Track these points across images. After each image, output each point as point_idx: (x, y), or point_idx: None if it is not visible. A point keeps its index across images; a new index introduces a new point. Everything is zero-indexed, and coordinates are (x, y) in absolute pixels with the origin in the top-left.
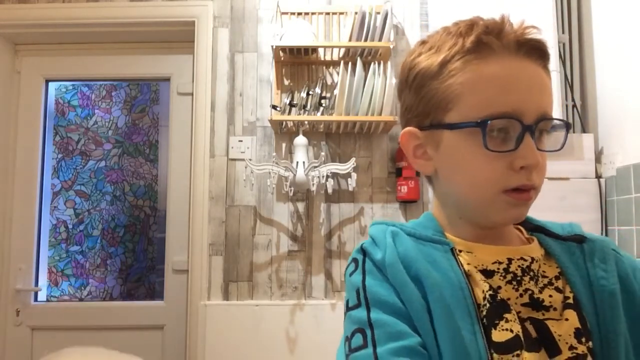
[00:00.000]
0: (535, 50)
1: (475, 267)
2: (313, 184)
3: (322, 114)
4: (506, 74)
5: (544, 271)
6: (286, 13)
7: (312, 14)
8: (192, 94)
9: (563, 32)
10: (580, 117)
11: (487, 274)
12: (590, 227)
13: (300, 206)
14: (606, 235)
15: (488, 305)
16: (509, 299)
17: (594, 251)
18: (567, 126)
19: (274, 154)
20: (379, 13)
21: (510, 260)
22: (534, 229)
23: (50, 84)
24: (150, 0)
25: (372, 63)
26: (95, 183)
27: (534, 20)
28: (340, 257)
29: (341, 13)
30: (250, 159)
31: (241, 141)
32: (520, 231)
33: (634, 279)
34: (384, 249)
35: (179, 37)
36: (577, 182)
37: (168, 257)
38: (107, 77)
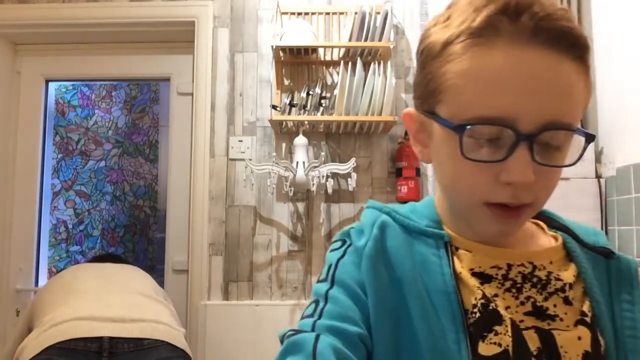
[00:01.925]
0: (561, 40)
1: (471, 270)
2: (313, 184)
3: (322, 114)
4: (507, 69)
5: (557, 276)
6: (286, 13)
7: (312, 14)
8: (192, 94)
9: None
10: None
11: (484, 278)
12: None
13: (300, 206)
14: (606, 235)
15: (478, 314)
16: (507, 307)
17: (621, 272)
18: (588, 138)
19: (274, 154)
20: (379, 13)
21: (510, 265)
22: (559, 227)
23: (50, 84)
24: (150, 0)
25: (372, 63)
26: (95, 183)
27: None
28: None
29: (341, 13)
30: (250, 159)
31: (241, 141)
32: (542, 227)
33: None
34: (367, 238)
35: (179, 37)
36: (577, 182)
37: (168, 257)
38: (107, 77)
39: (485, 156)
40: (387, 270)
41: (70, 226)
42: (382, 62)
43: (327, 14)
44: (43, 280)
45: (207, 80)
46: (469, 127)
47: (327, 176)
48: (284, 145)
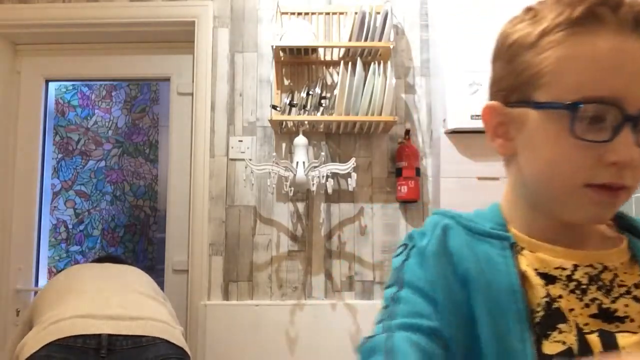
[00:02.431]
0: None
1: (536, 269)
2: (313, 184)
3: (322, 114)
4: (614, 53)
5: (621, 280)
6: (286, 13)
7: (312, 14)
8: (192, 94)
9: None
10: None
11: (548, 278)
12: None
13: (300, 206)
14: None
15: (542, 313)
16: (572, 309)
17: None
18: None
19: (274, 154)
20: (379, 13)
21: (576, 266)
22: (627, 227)
23: (50, 84)
24: (150, 0)
25: (372, 63)
26: (95, 183)
27: None
28: (340, 257)
29: (341, 13)
30: (250, 159)
31: (241, 141)
32: (611, 227)
33: None
34: (429, 238)
35: (179, 37)
36: None
37: (168, 257)
38: (107, 77)
39: (592, 137)
40: (452, 267)
41: (70, 226)
42: (382, 62)
43: (327, 14)
44: (43, 280)
45: (207, 80)
46: (581, 105)
47: (327, 176)
48: (284, 145)
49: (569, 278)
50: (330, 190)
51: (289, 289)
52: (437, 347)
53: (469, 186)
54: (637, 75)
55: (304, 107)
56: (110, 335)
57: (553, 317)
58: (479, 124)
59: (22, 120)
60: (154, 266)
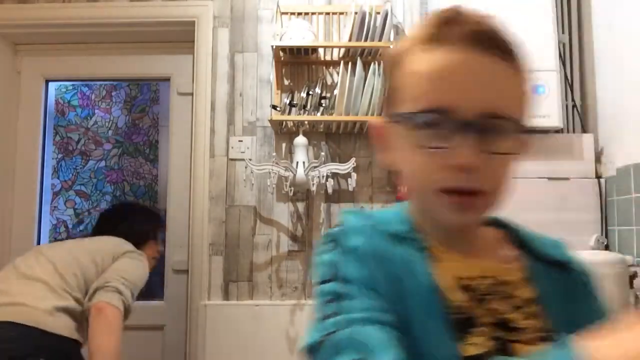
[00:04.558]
0: (490, 41)
1: (447, 275)
2: (313, 184)
3: (322, 114)
4: (446, 66)
5: (519, 292)
6: (286, 13)
7: (312, 14)
8: (192, 94)
9: (563, 32)
10: (581, 117)
11: (461, 286)
12: (590, 227)
13: (300, 206)
14: (606, 235)
15: (457, 316)
16: (476, 317)
17: (575, 284)
18: (523, 130)
19: (274, 154)
20: (379, 13)
21: (480, 276)
22: (519, 242)
23: (50, 84)
24: (150, 0)
25: (372, 63)
26: (95, 183)
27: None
28: None
29: (341, 13)
30: (250, 159)
31: (241, 141)
32: (504, 240)
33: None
34: (360, 239)
35: (179, 37)
36: (577, 182)
37: (168, 257)
38: (107, 77)
39: (435, 144)
40: (383, 268)
41: (70, 226)
42: (382, 62)
43: (327, 14)
44: None
45: (207, 80)
46: (415, 116)
47: (327, 176)
48: (284, 145)
49: (472, 287)
50: (330, 190)
51: (289, 289)
52: (401, 341)
53: None
54: (471, 84)
55: (304, 107)
56: None
57: (465, 322)
58: None
59: (22, 120)
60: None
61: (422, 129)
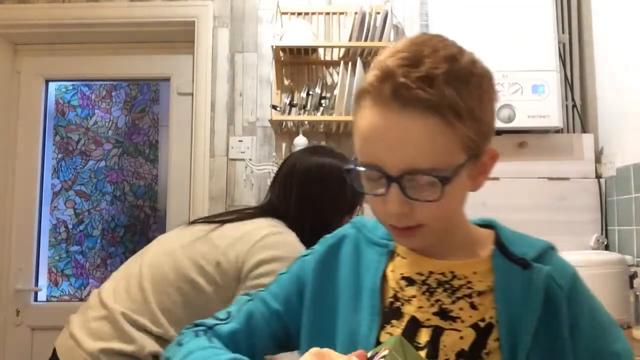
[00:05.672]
0: (415, 104)
1: (401, 274)
2: None
3: (322, 114)
4: (373, 126)
5: (471, 285)
6: (286, 13)
7: (312, 14)
8: (192, 94)
9: (563, 32)
10: (581, 117)
11: (410, 281)
12: (590, 227)
13: None
14: (606, 235)
15: (386, 310)
16: (420, 307)
17: (532, 283)
18: (442, 180)
19: (274, 154)
20: (379, 13)
21: (431, 273)
22: (498, 241)
23: (50, 84)
24: (150, 0)
25: (372, 63)
26: (95, 183)
27: (534, 20)
28: None
29: (341, 13)
30: (250, 159)
31: (241, 141)
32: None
33: (570, 337)
34: (323, 245)
35: (179, 37)
36: (577, 182)
37: None
38: (107, 77)
39: (373, 191)
40: (332, 270)
41: (70, 226)
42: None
43: (327, 14)
44: (43, 280)
45: (207, 80)
46: (356, 169)
47: None
48: (284, 145)
49: (424, 282)
50: None
51: None
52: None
53: None
54: (390, 144)
55: (304, 107)
56: None
57: (390, 313)
58: None
59: (22, 120)
60: None
61: (365, 178)
